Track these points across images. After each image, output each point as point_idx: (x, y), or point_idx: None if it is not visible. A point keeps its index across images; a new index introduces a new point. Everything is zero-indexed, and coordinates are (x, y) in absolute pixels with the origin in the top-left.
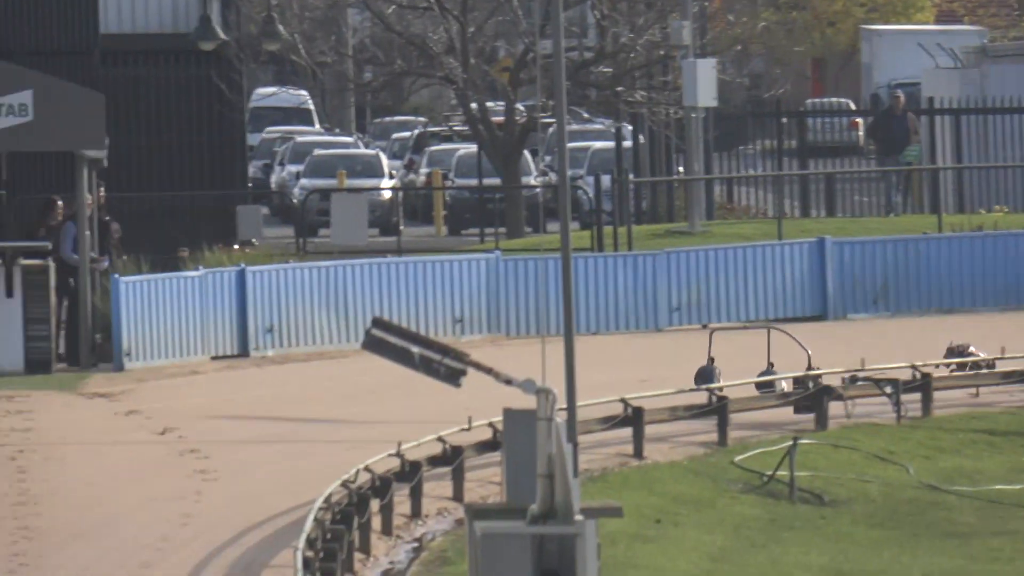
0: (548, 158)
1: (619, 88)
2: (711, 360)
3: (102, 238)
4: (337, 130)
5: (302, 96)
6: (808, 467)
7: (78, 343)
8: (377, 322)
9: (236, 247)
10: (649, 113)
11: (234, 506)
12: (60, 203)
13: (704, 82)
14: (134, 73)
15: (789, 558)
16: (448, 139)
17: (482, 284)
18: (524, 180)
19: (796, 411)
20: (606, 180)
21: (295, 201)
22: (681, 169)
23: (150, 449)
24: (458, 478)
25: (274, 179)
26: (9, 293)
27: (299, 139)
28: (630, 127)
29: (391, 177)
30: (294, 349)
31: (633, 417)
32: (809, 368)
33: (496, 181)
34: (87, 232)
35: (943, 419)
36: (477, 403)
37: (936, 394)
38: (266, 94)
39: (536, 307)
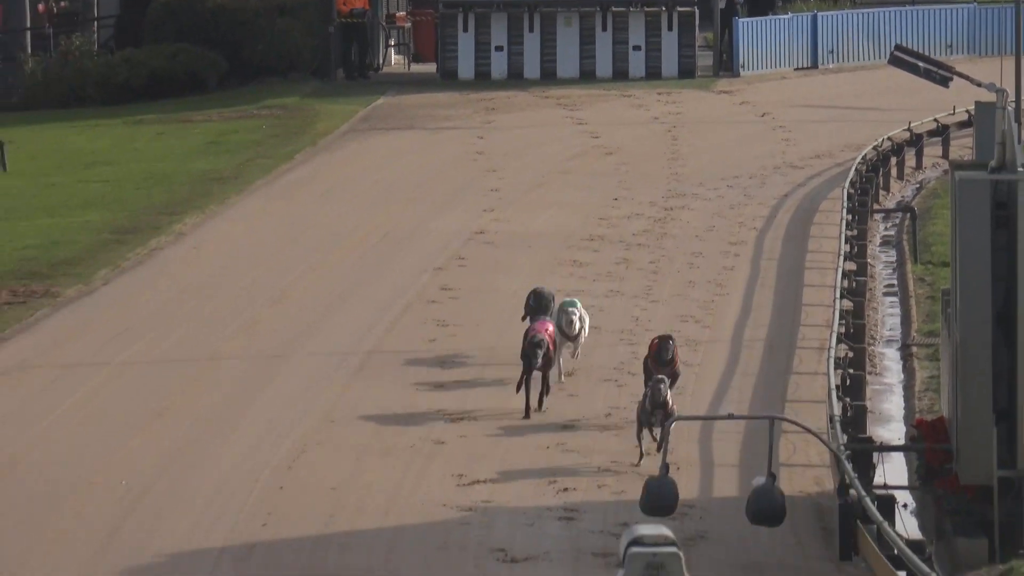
0: None
1: None
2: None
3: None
4: None
5: None
6: None
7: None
8: (898, 47)
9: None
10: None
11: (807, 158)
12: None
13: None
14: None
15: None
16: None
17: (963, 23)
18: None
19: None
20: None
21: None
22: None
23: (753, 126)
24: (945, 145)
25: None
26: (670, 28)
27: None
28: None
29: None
30: (846, 64)
31: None
32: None
33: None
34: None
35: None
36: (959, 98)
37: None
38: None
39: (1000, 35)
